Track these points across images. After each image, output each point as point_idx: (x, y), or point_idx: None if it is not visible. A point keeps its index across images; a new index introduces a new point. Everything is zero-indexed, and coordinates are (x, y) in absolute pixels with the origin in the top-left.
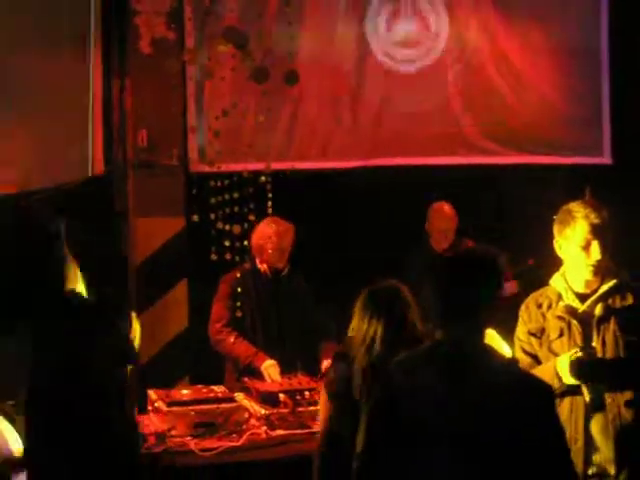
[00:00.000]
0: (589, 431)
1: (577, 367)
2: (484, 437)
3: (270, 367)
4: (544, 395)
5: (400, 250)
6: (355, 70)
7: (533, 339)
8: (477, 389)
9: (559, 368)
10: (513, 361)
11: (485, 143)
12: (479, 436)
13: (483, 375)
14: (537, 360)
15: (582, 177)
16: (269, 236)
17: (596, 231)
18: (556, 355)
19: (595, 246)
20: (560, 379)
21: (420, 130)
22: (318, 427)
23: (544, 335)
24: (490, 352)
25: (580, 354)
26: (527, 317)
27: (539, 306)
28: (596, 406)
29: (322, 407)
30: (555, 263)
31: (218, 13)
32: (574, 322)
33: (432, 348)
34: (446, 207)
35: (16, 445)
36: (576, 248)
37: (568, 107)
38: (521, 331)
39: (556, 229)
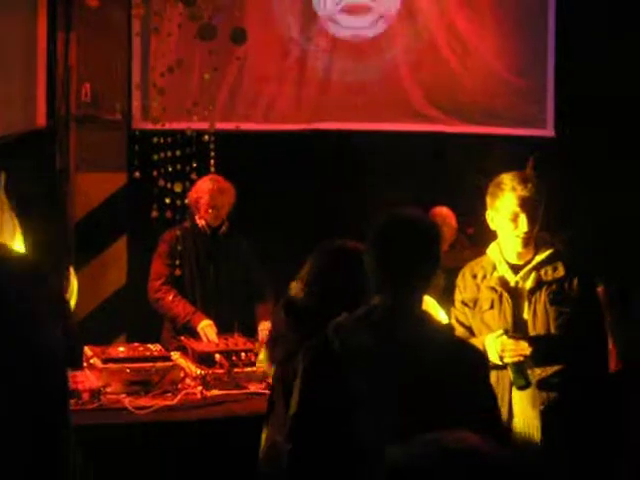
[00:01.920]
0: (512, 405)
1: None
2: (418, 398)
3: (207, 327)
4: (477, 359)
5: (338, 216)
6: (301, 33)
7: (467, 309)
8: (410, 353)
9: (487, 345)
10: (448, 327)
11: (431, 111)
12: (412, 397)
13: (417, 339)
14: (471, 331)
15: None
16: (205, 192)
17: (524, 203)
18: (488, 327)
19: (522, 218)
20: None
21: (366, 96)
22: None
23: (477, 306)
24: (426, 318)
25: (504, 337)
26: (462, 286)
27: (474, 276)
28: (518, 385)
29: None
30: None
31: None
32: (505, 295)
33: (368, 312)
34: (447, 213)
35: None
36: (505, 220)
37: (513, 78)
38: (457, 299)
39: (488, 201)
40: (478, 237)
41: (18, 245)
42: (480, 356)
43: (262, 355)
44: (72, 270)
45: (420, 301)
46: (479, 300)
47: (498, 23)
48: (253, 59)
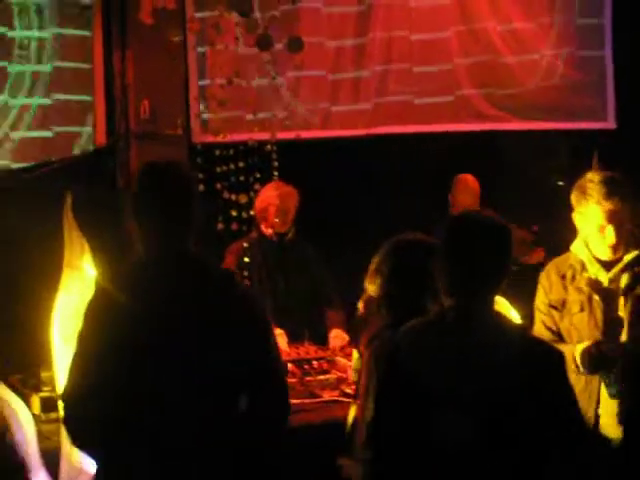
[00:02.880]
0: (597, 408)
1: (589, 361)
2: (492, 401)
3: (278, 336)
4: (554, 359)
5: (403, 218)
6: (355, 39)
7: (554, 312)
8: (484, 355)
9: (577, 356)
10: (522, 327)
11: (490, 110)
12: (487, 400)
13: (490, 341)
14: (559, 335)
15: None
16: (272, 199)
17: (611, 216)
18: (578, 330)
19: (610, 230)
20: (578, 367)
21: (424, 99)
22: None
23: (565, 308)
24: (499, 318)
25: (593, 350)
26: (548, 286)
27: (562, 277)
28: (610, 393)
29: None
30: (567, 229)
31: None
32: (595, 298)
33: (440, 315)
34: (470, 180)
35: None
36: (592, 227)
37: (571, 72)
38: (541, 301)
39: (573, 201)
40: (542, 235)
41: (87, 265)
42: (556, 354)
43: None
44: None
45: (492, 302)
46: (567, 302)
47: (554, 19)
48: (309, 67)
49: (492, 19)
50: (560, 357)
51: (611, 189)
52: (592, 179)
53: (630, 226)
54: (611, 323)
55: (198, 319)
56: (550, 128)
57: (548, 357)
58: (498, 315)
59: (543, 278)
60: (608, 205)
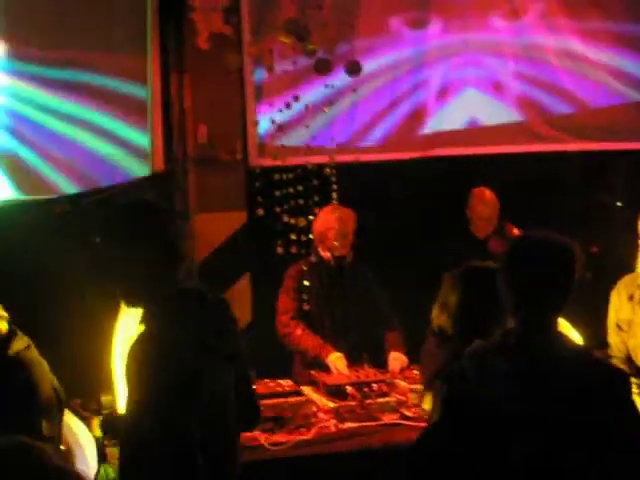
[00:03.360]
0: None
1: None
2: (558, 424)
3: (337, 359)
4: (618, 381)
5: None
6: (414, 59)
7: (622, 333)
8: (550, 377)
9: None
10: (586, 348)
11: (548, 131)
12: (553, 423)
13: (556, 363)
14: (628, 355)
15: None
16: (331, 222)
17: None
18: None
19: None
20: None
21: (481, 122)
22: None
23: (631, 329)
24: (563, 340)
25: None
26: (618, 305)
27: (630, 297)
28: None
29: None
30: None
31: (276, 6)
32: None
33: (504, 337)
34: (487, 192)
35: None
36: None
37: (631, 92)
38: (611, 319)
39: None
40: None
41: None
42: (621, 376)
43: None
44: None
45: (556, 323)
46: (633, 323)
47: (612, 39)
48: (366, 90)
49: (548, 38)
50: (624, 379)
51: None
52: None
53: None
54: None
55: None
56: (608, 149)
57: (612, 379)
58: (561, 336)
59: (614, 296)
60: None
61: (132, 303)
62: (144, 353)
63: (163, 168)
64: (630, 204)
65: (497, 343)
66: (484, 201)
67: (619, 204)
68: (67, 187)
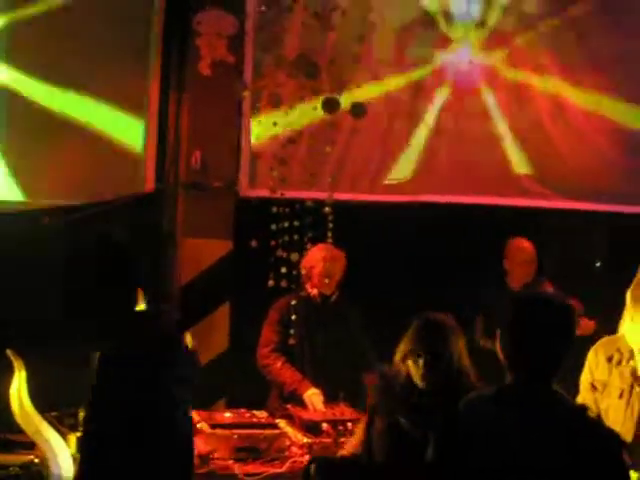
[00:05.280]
0: None
1: None
2: (552, 477)
3: (313, 395)
4: (612, 443)
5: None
6: (409, 107)
7: (597, 394)
8: (548, 436)
9: None
10: (583, 407)
11: (536, 187)
12: (547, 476)
13: (554, 421)
14: (597, 416)
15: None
16: (318, 261)
17: None
18: (613, 416)
19: None
20: None
21: (471, 170)
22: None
23: (606, 390)
24: (558, 397)
25: None
26: (594, 365)
27: (609, 358)
28: None
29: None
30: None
31: (282, 40)
32: (637, 389)
33: (502, 392)
34: (526, 243)
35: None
36: None
37: (620, 158)
38: (586, 378)
39: (628, 299)
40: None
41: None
42: (614, 438)
43: None
44: (189, 335)
45: (552, 380)
46: (608, 385)
47: (607, 104)
48: (363, 130)
49: (543, 98)
50: (619, 441)
51: None
52: None
53: None
54: None
55: None
56: (593, 210)
57: (607, 440)
58: (558, 394)
59: (591, 355)
60: None
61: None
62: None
63: (153, 189)
64: (609, 265)
65: (493, 397)
66: (524, 251)
67: (598, 264)
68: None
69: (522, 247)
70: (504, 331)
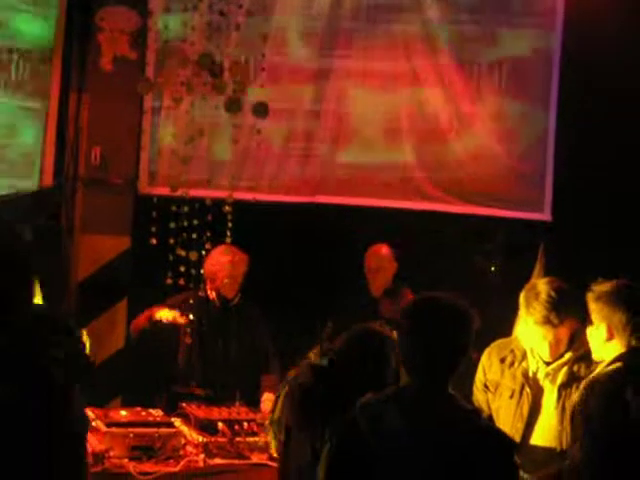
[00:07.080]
0: None
1: None
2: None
3: None
4: (504, 447)
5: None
6: (310, 111)
7: (489, 394)
8: (438, 435)
9: None
10: (477, 411)
11: (433, 191)
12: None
13: (444, 422)
14: (489, 416)
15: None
16: (224, 264)
17: (548, 337)
18: (504, 416)
19: (545, 347)
20: None
21: (369, 173)
22: None
23: (497, 391)
24: (454, 400)
25: None
26: (488, 366)
27: (502, 360)
28: None
29: None
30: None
31: (187, 37)
32: (527, 390)
33: (396, 393)
34: (384, 249)
35: None
36: (533, 336)
37: (514, 162)
38: (479, 379)
39: (521, 302)
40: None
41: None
42: (507, 442)
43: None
44: (85, 332)
45: (449, 383)
46: (500, 385)
47: (501, 109)
48: (266, 132)
49: (443, 102)
50: (511, 446)
51: (553, 314)
52: (539, 293)
53: (575, 325)
54: (534, 417)
55: None
56: (490, 214)
57: (500, 444)
58: (453, 397)
59: (485, 357)
60: (546, 330)
61: None
62: None
63: (51, 184)
64: (504, 270)
65: (390, 398)
66: (379, 257)
67: (493, 269)
68: None
69: (376, 253)
70: (402, 334)
